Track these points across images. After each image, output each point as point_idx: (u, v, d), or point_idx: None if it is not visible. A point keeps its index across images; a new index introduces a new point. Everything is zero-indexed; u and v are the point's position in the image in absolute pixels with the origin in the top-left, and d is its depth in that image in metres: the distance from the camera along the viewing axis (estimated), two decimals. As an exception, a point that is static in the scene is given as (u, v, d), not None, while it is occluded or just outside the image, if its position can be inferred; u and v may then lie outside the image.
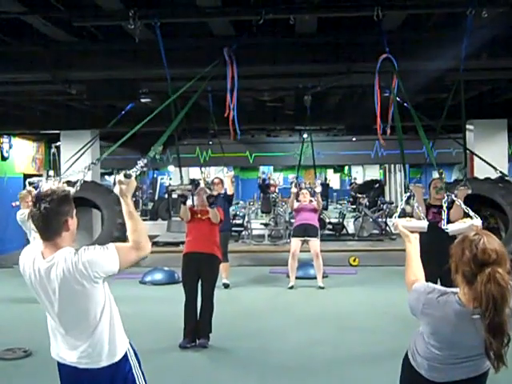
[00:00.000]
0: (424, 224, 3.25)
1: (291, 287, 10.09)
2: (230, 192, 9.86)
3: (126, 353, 3.12)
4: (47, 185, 3.30)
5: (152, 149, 4.20)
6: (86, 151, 6.68)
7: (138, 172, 3.17)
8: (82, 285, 2.92)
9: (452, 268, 2.76)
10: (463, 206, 3.82)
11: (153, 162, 19.48)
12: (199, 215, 7.15)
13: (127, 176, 3.00)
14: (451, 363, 2.79)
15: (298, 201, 10.50)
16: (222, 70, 6.17)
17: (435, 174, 25.16)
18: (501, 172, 7.16)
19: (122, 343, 3.11)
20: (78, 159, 6.02)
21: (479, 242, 2.66)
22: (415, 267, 3.03)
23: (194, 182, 8.30)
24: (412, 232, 3.15)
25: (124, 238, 3.27)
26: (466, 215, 3.61)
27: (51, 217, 2.92)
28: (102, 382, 3.08)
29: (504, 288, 2.56)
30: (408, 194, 4.17)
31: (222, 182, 10.32)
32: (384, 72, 6.03)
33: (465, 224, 3.35)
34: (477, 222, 3.33)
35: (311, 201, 10.43)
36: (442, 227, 3.43)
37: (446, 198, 4.19)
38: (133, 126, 4.77)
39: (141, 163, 3.32)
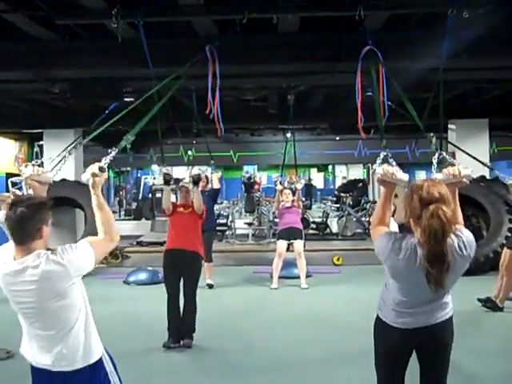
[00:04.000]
0: (405, 176, 3.29)
1: (275, 288, 10.13)
2: (216, 186, 9.71)
3: (102, 357, 3.11)
4: (28, 170, 3.27)
5: (124, 138, 4.19)
6: (69, 150, 6.63)
7: (109, 162, 3.19)
8: (60, 285, 2.92)
9: (405, 214, 3.08)
10: (451, 160, 3.73)
11: (135, 160, 19.40)
12: (182, 209, 7.10)
13: (102, 169, 3.07)
14: (417, 305, 3.12)
15: (281, 201, 10.54)
16: (205, 69, 6.18)
17: (419, 174, 25.31)
18: (488, 166, 7.20)
19: (97, 345, 3.11)
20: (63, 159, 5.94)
21: (424, 185, 3.02)
22: (384, 214, 3.25)
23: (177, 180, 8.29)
24: (390, 183, 3.25)
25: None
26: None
27: (26, 221, 2.91)
28: None
29: (444, 222, 2.90)
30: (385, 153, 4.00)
31: (206, 178, 10.32)
32: (367, 71, 6.07)
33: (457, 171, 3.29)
34: (466, 171, 3.32)
35: (293, 200, 10.49)
36: (432, 176, 3.45)
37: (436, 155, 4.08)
38: (117, 124, 4.77)
39: (112, 153, 3.35)
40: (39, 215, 2.97)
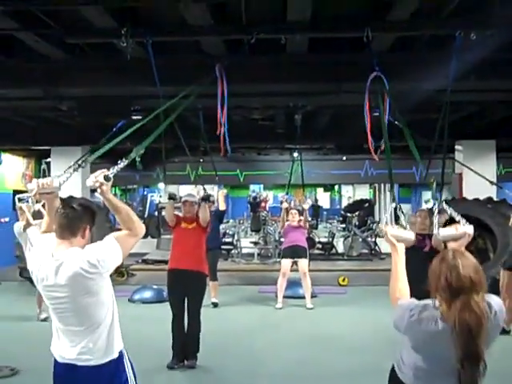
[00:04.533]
0: (411, 235, 3.26)
1: (280, 308, 10.07)
2: (222, 208, 9.72)
3: (123, 352, 3.28)
4: (33, 185, 3.31)
5: (134, 150, 4.19)
6: (77, 164, 6.62)
7: (116, 172, 3.23)
8: (91, 282, 3.07)
9: (431, 287, 2.79)
10: (454, 214, 3.68)
11: (141, 178, 19.43)
12: (186, 224, 6.98)
13: (107, 179, 3.11)
14: (437, 373, 2.79)
15: (286, 220, 10.53)
16: (213, 88, 6.20)
17: (425, 194, 25.30)
18: (497, 185, 7.13)
19: (118, 342, 3.28)
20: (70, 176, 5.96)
21: (454, 267, 2.68)
22: (400, 282, 3.03)
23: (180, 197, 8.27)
24: (398, 241, 3.17)
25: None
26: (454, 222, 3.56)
27: (74, 218, 3.19)
28: (99, 380, 3.17)
29: (479, 315, 2.57)
30: (394, 204, 4.10)
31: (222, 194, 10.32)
32: (374, 92, 6.08)
33: (456, 231, 3.32)
34: (469, 229, 3.31)
35: (300, 220, 10.47)
36: (434, 233, 3.42)
37: (434, 204, 4.12)
38: (124, 142, 4.77)
39: (121, 164, 3.37)
40: (87, 216, 3.27)
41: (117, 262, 3.16)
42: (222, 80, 6.17)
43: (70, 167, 3.72)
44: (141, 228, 3.24)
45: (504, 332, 7.75)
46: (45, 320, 8.65)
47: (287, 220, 10.52)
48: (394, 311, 2.91)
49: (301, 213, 10.60)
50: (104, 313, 3.18)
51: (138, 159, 7.69)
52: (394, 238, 3.16)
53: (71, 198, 10.83)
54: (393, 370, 3.04)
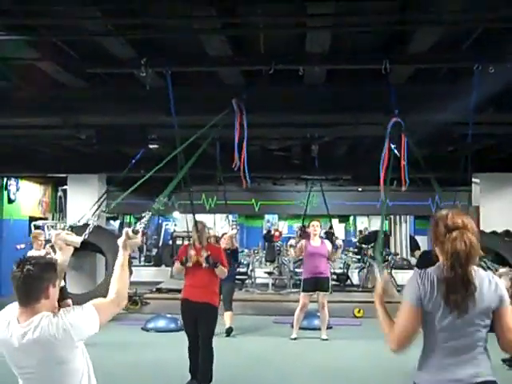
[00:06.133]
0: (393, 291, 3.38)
1: (294, 338, 9.95)
2: (233, 247, 9.96)
3: None
4: (57, 231, 3.32)
5: (157, 201, 4.23)
6: (98, 201, 6.65)
7: (144, 226, 3.27)
8: (62, 350, 2.86)
9: (432, 242, 3.06)
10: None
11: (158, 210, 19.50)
12: (198, 261, 6.89)
13: (135, 232, 3.14)
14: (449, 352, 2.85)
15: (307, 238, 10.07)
16: (230, 119, 6.23)
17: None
18: None
19: None
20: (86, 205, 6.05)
21: (448, 214, 3.01)
22: (389, 325, 3.13)
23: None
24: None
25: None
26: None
27: (32, 281, 2.86)
28: None
29: (468, 246, 2.86)
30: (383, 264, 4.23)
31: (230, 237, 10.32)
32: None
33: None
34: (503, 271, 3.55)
35: (322, 239, 10.08)
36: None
37: None
38: (141, 171, 4.80)
39: (146, 217, 3.41)
40: (46, 275, 2.91)
41: (91, 331, 2.93)
42: (240, 113, 6.22)
43: (93, 214, 3.76)
44: (125, 300, 3.12)
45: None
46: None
47: (306, 238, 10.03)
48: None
49: (333, 244, 10.26)
50: (78, 380, 2.94)
51: (162, 208, 7.74)
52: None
53: (86, 225, 10.86)
54: None
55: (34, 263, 2.89)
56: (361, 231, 29.52)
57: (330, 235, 21.47)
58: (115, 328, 10.05)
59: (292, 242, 10.55)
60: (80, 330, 2.88)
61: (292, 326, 10.21)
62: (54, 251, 3.41)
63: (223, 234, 10.64)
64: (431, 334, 2.91)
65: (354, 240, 28.06)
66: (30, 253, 8.69)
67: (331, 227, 12.52)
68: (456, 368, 2.83)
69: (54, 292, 2.95)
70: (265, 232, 18.75)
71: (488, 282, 2.91)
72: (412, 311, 2.90)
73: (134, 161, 7.05)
